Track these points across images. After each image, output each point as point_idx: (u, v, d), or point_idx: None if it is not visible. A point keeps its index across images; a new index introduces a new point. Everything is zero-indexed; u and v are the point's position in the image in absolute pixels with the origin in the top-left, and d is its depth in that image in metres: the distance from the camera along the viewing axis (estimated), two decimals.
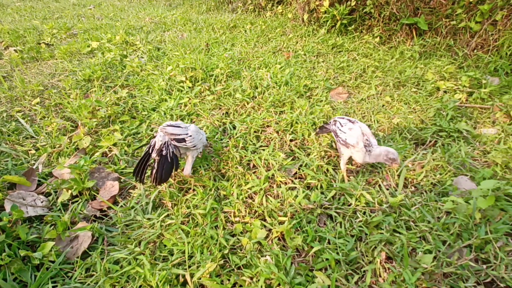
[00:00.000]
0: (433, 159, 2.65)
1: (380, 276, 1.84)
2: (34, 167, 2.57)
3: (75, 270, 1.87)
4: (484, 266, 1.88)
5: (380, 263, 1.88)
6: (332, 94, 3.64)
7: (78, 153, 2.69)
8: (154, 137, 2.26)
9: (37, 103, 3.48)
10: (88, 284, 1.80)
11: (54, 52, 4.90)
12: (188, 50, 4.70)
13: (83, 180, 2.34)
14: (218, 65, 4.05)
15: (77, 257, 1.94)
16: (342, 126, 2.43)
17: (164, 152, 2.12)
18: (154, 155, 2.11)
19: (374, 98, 3.54)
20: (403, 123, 3.08)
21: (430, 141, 2.93)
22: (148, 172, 2.44)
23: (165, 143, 2.15)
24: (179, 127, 2.28)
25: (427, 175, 2.51)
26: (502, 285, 1.81)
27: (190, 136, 2.28)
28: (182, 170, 2.43)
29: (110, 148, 2.80)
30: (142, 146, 2.84)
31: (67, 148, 2.77)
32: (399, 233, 2.05)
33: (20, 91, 3.68)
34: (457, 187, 2.38)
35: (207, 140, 2.79)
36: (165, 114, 3.21)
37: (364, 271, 1.86)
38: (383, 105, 3.41)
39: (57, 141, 2.83)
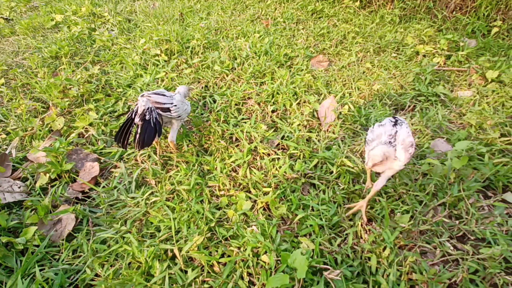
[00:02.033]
0: (412, 124, 2.71)
1: (362, 238, 1.93)
2: (6, 152, 2.45)
3: (62, 252, 1.87)
4: (457, 222, 2.01)
5: (361, 225, 1.97)
6: (312, 62, 3.59)
7: (52, 135, 2.58)
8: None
9: (2, 84, 3.25)
10: (77, 265, 1.81)
11: (14, 28, 4.52)
12: (161, 21, 4.44)
13: (60, 163, 2.26)
14: (194, 36, 3.88)
15: (62, 240, 1.92)
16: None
17: (147, 117, 2.04)
18: (137, 120, 2.02)
19: (354, 65, 3.52)
20: (383, 89, 3.11)
21: (409, 106, 2.98)
22: (131, 138, 2.35)
23: (148, 108, 2.06)
24: (164, 95, 2.19)
25: None
26: (472, 237, 1.94)
27: (175, 106, 2.21)
28: (166, 137, 2.38)
29: (86, 128, 2.70)
30: (119, 124, 2.75)
31: (40, 130, 2.65)
32: (380, 195, 2.13)
33: None
34: (434, 149, 2.46)
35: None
36: (141, 90, 3.09)
37: (347, 234, 1.95)
38: (363, 72, 3.40)
39: (28, 124, 2.70)
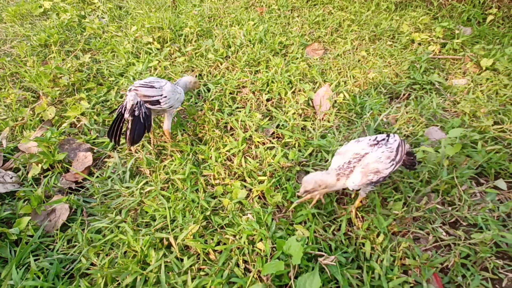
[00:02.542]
0: (407, 112, 2.72)
1: (355, 225, 1.95)
2: None
3: (56, 242, 1.86)
4: (450, 208, 2.03)
5: (355, 214, 1.99)
6: (307, 50, 3.55)
7: (43, 125, 2.53)
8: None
9: None
10: (72, 255, 1.80)
11: (1, 15, 4.38)
12: (153, 8, 4.34)
13: (52, 153, 2.23)
14: (187, 24, 3.80)
15: (57, 230, 1.91)
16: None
17: (136, 113, 2.01)
18: (126, 115, 1.99)
19: (350, 53, 3.49)
20: (378, 78, 3.10)
21: (404, 95, 2.98)
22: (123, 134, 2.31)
23: (137, 102, 2.02)
24: (152, 87, 2.10)
25: (401, 127, 2.59)
26: (464, 223, 1.98)
27: (165, 97, 2.13)
28: (161, 127, 2.34)
29: (78, 118, 2.65)
30: (112, 113, 2.70)
31: (31, 120, 2.60)
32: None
33: None
34: (428, 137, 2.48)
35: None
36: (134, 79, 3.04)
37: (340, 221, 1.97)
38: (359, 60, 3.38)
39: (18, 114, 2.64)
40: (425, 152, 2.28)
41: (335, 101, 2.77)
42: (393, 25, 3.85)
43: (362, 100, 2.84)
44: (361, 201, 2.00)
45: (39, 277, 1.65)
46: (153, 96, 2.08)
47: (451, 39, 3.56)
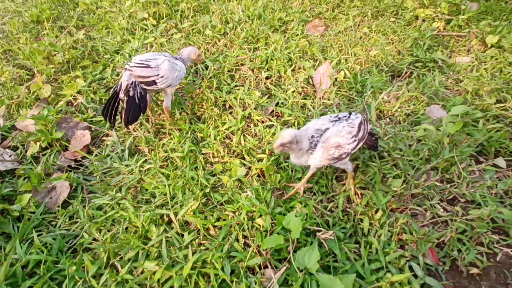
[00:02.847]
0: (408, 90, 2.68)
1: (354, 202, 1.97)
2: None
3: (58, 219, 1.88)
4: (448, 186, 2.04)
5: (354, 190, 2.00)
6: (308, 27, 3.45)
7: (40, 103, 2.50)
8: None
9: None
10: (74, 230, 1.83)
11: None
12: None
13: (50, 131, 2.21)
14: None
15: (58, 207, 1.93)
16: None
17: (131, 93, 1.96)
18: (121, 95, 1.95)
19: (351, 30, 3.40)
20: (380, 55, 3.03)
21: (406, 73, 2.93)
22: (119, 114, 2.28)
23: (132, 82, 1.98)
24: (148, 67, 2.02)
25: (402, 106, 2.56)
26: (462, 200, 1.99)
27: (162, 77, 2.05)
28: (159, 105, 2.31)
29: (75, 96, 2.61)
30: (108, 91, 2.66)
31: (27, 98, 2.56)
32: (373, 160, 2.15)
33: None
34: (429, 116, 2.46)
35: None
36: (130, 56, 2.97)
37: (339, 198, 1.98)
38: (360, 37, 3.29)
39: (14, 92, 2.60)
40: (426, 130, 2.27)
41: (336, 79, 2.73)
42: (397, 1, 3.73)
43: (363, 78, 2.79)
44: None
45: (42, 252, 1.68)
46: (148, 77, 2.01)
47: (457, 15, 3.46)
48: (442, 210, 1.94)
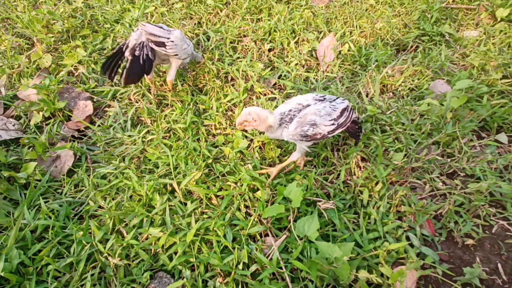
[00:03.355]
0: (413, 65, 2.63)
1: (355, 175, 2.00)
2: None
3: (64, 187, 1.92)
4: (449, 160, 2.06)
5: (355, 163, 2.02)
6: None
7: (41, 73, 2.47)
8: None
9: None
10: (79, 198, 1.87)
11: None
12: None
13: (52, 101, 2.21)
14: None
15: (63, 175, 1.96)
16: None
17: (137, 53, 1.93)
18: (127, 53, 1.92)
19: (357, 1, 3.29)
20: (386, 28, 2.95)
21: (411, 46, 2.86)
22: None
23: (141, 43, 1.94)
24: (161, 28, 2.01)
25: (405, 80, 2.52)
26: (462, 174, 2.01)
27: (172, 41, 2.03)
28: (159, 76, 2.29)
29: (76, 66, 2.58)
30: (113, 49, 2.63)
31: (27, 68, 2.54)
32: (375, 133, 2.15)
33: None
34: (432, 91, 2.43)
35: (201, 56, 2.54)
36: (130, 26, 2.90)
37: (340, 171, 2.01)
38: (366, 9, 3.19)
39: (14, 61, 2.57)
40: (429, 105, 2.25)
41: (340, 52, 2.67)
42: None
43: (368, 52, 2.73)
44: (296, 165, 1.95)
45: (50, 217, 1.73)
46: (159, 36, 1.99)
47: None
48: (441, 183, 1.97)
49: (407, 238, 1.72)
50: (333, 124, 1.73)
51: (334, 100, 1.80)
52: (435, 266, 1.62)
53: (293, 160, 1.92)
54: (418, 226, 1.76)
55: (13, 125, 2.17)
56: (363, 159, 2.08)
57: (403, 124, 2.21)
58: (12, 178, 1.89)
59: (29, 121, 2.21)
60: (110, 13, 3.05)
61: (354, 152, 2.03)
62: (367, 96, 2.43)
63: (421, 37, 2.92)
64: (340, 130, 1.79)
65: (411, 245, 1.70)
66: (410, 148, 2.07)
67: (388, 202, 1.84)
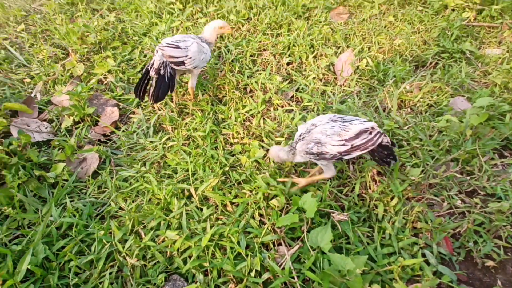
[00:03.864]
0: (432, 81, 2.62)
1: (370, 188, 1.99)
2: (32, 95, 2.56)
3: (88, 187, 2.02)
4: (468, 178, 2.02)
5: (371, 177, 2.01)
6: (332, 14, 3.41)
7: (73, 81, 2.65)
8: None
9: (23, 30, 3.29)
10: (102, 199, 1.97)
11: None
12: None
13: (83, 107, 2.36)
14: None
15: (88, 176, 2.07)
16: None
17: (162, 72, 2.07)
18: (152, 73, 2.06)
19: (376, 18, 3.33)
20: (405, 45, 2.96)
21: (431, 63, 2.86)
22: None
23: (163, 62, 2.08)
24: (178, 47, 2.11)
25: (424, 96, 2.52)
26: (482, 193, 1.97)
27: (190, 58, 2.14)
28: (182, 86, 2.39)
29: (105, 75, 2.75)
30: (137, 72, 2.78)
31: (62, 75, 2.73)
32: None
33: (2, 17, 3.45)
34: (452, 107, 2.41)
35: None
36: (157, 39, 3.07)
37: (355, 184, 2.01)
38: (385, 26, 3.23)
39: (50, 69, 2.77)
40: (448, 121, 2.23)
41: (357, 67, 2.71)
42: None
43: (386, 67, 2.75)
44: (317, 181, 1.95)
45: (74, 216, 1.82)
46: (178, 57, 2.11)
47: (490, 5, 3.31)
48: (460, 201, 1.93)
49: (423, 256, 1.68)
50: (344, 145, 1.66)
51: (351, 120, 1.72)
52: (453, 286, 1.57)
53: (326, 177, 1.89)
54: (435, 244, 1.72)
55: (46, 128, 2.32)
56: (378, 173, 2.07)
57: (420, 139, 2.19)
58: (42, 177, 2.01)
59: (60, 124, 2.36)
60: (139, 27, 3.25)
61: (369, 166, 2.03)
62: (384, 110, 2.44)
63: (441, 54, 2.92)
64: (360, 152, 1.68)
65: (427, 263, 1.66)
66: (427, 164, 2.05)
67: (403, 218, 1.82)
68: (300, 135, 1.78)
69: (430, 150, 2.13)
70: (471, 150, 2.07)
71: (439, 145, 2.15)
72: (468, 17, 3.22)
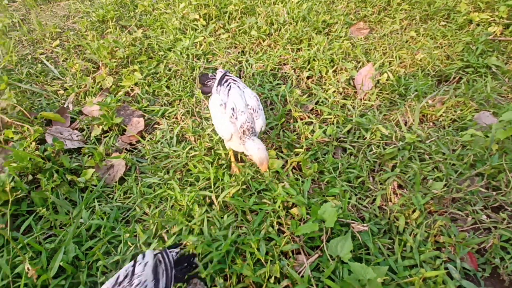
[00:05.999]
0: (456, 96, 2.59)
1: (391, 201, 1.97)
2: (65, 105, 2.73)
3: (115, 193, 2.12)
4: (494, 193, 1.96)
5: (392, 189, 2.00)
6: (352, 29, 3.47)
7: (103, 92, 2.81)
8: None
9: (57, 45, 3.55)
10: (127, 204, 2.05)
11: None
12: None
13: (111, 117, 2.49)
14: (232, 1, 3.87)
15: (115, 182, 2.17)
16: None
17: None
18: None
19: (397, 33, 3.36)
20: (427, 59, 2.96)
21: (454, 78, 2.83)
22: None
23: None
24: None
25: (447, 111, 2.49)
26: (509, 208, 1.90)
27: None
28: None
29: (132, 87, 2.91)
30: (161, 85, 2.92)
31: (92, 88, 2.90)
32: (412, 161, 2.13)
33: (39, 34, 3.73)
34: (477, 122, 2.37)
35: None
36: (181, 53, 3.22)
37: (376, 196, 2.00)
38: (406, 41, 3.24)
39: (82, 82, 2.96)
40: (473, 136, 2.19)
41: (378, 81, 2.73)
42: (449, 4, 3.60)
43: (407, 81, 2.75)
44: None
45: (102, 218, 1.92)
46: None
47: None
48: (485, 216, 1.88)
49: (446, 270, 1.64)
50: None
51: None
52: None
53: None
54: (459, 259, 1.68)
55: (77, 136, 2.47)
56: (399, 186, 2.06)
57: (443, 153, 2.16)
58: (72, 181, 2.13)
59: (90, 133, 2.50)
60: (164, 42, 3.42)
61: (391, 178, 2.02)
62: (405, 124, 2.43)
63: (465, 69, 2.88)
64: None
65: (451, 277, 1.62)
66: (450, 178, 2.01)
67: (425, 231, 1.79)
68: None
69: (454, 164, 2.10)
70: (497, 165, 2.02)
71: (463, 159, 2.11)
72: (494, 32, 3.18)
